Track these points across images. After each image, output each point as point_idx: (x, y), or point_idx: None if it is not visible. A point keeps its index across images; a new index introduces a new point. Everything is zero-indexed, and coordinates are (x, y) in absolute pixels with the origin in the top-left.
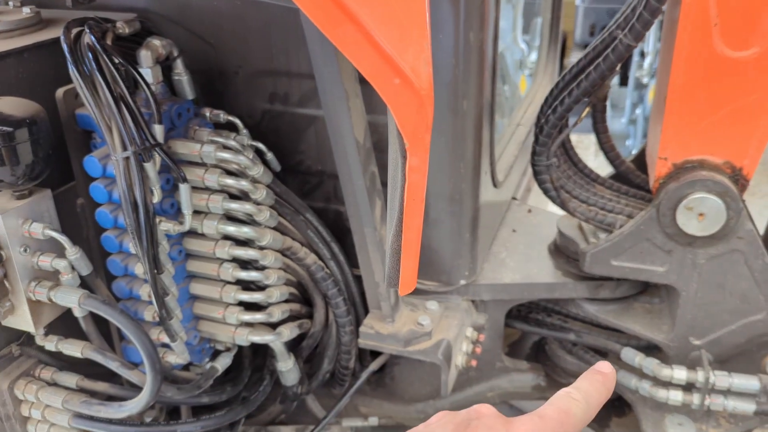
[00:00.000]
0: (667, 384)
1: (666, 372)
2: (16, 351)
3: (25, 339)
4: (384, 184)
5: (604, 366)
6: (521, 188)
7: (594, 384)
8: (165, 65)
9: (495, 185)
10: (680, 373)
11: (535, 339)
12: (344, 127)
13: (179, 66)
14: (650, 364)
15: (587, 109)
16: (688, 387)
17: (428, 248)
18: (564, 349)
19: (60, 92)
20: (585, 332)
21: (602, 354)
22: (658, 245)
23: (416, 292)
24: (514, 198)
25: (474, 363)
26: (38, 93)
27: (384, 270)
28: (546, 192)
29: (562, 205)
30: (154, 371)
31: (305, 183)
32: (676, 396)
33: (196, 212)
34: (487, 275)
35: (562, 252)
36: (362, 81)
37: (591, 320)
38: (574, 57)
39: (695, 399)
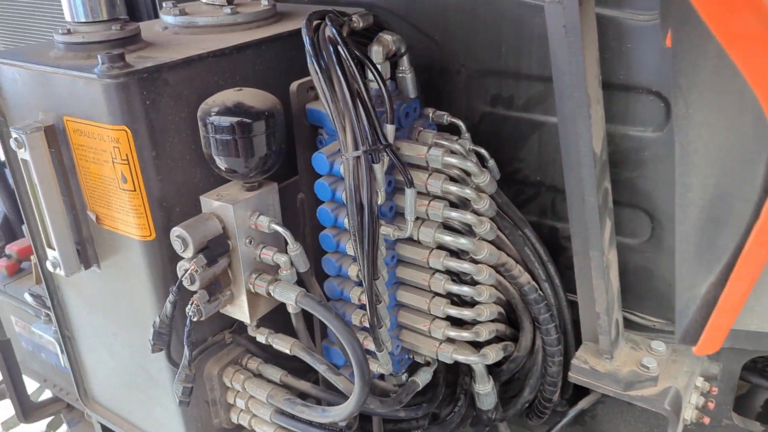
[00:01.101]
0: None
1: None
2: (228, 338)
3: (236, 327)
4: (617, 203)
5: None
6: None
7: None
8: (391, 62)
9: None
10: None
11: None
12: (582, 135)
13: (405, 63)
14: None
15: None
16: None
17: (660, 278)
18: None
19: (294, 85)
20: None
21: None
22: None
23: (640, 328)
24: None
25: (707, 420)
26: (271, 85)
27: (607, 297)
28: None
29: None
30: (363, 381)
31: (519, 194)
32: None
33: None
34: None
35: None
36: (604, 86)
37: None
38: None
39: None
